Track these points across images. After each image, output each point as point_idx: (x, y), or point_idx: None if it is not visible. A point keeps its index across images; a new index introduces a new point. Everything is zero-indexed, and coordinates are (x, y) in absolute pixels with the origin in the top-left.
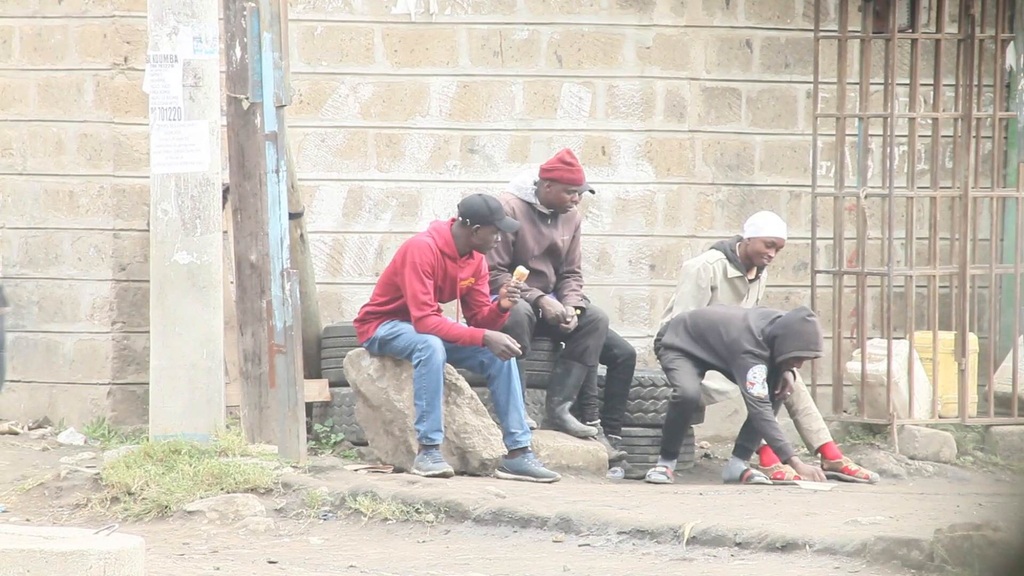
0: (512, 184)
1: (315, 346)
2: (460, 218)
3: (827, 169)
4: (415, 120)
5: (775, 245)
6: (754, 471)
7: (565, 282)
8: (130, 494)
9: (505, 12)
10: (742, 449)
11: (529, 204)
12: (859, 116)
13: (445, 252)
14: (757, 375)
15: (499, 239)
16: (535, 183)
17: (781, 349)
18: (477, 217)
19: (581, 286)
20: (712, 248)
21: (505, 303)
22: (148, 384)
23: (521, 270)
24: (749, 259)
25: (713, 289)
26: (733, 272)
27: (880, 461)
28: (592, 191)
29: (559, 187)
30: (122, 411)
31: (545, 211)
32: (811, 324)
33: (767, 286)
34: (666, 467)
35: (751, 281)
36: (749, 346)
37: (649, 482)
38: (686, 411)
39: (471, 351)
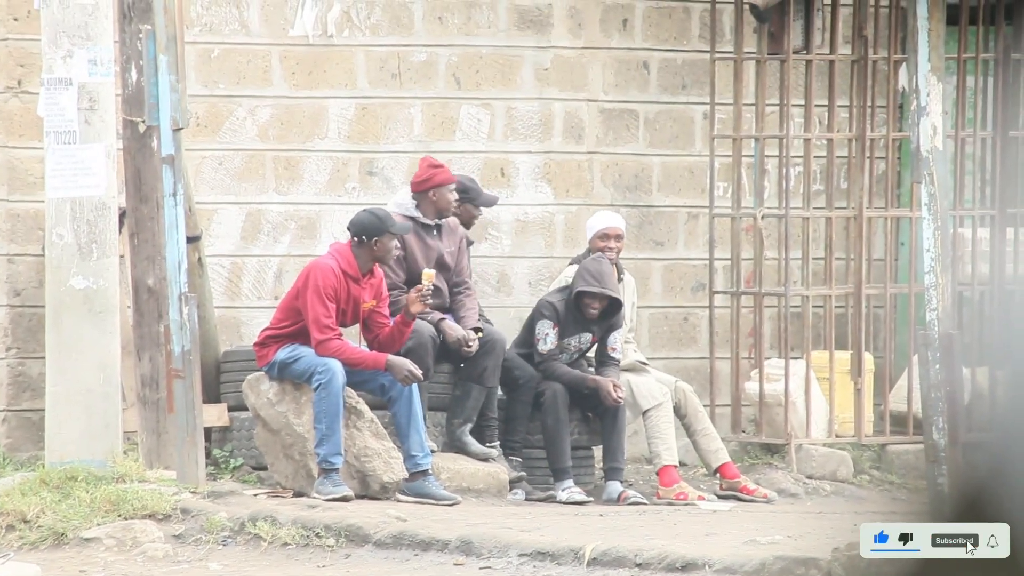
0: (391, 204)
1: (214, 370)
2: (355, 238)
3: (724, 190)
4: (313, 143)
5: (609, 235)
6: (631, 492)
7: (460, 301)
8: (25, 522)
9: (403, 34)
10: (612, 471)
11: (412, 219)
12: (755, 137)
13: (348, 273)
14: (541, 330)
15: (398, 244)
16: (413, 198)
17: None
18: (372, 230)
19: (477, 304)
20: (570, 264)
21: (416, 308)
22: (44, 410)
23: (428, 271)
24: None
25: None
26: None
27: (778, 480)
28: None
29: (443, 190)
30: (17, 438)
31: (429, 223)
32: (596, 262)
33: (664, 307)
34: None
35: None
36: (545, 302)
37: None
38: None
39: (371, 374)
